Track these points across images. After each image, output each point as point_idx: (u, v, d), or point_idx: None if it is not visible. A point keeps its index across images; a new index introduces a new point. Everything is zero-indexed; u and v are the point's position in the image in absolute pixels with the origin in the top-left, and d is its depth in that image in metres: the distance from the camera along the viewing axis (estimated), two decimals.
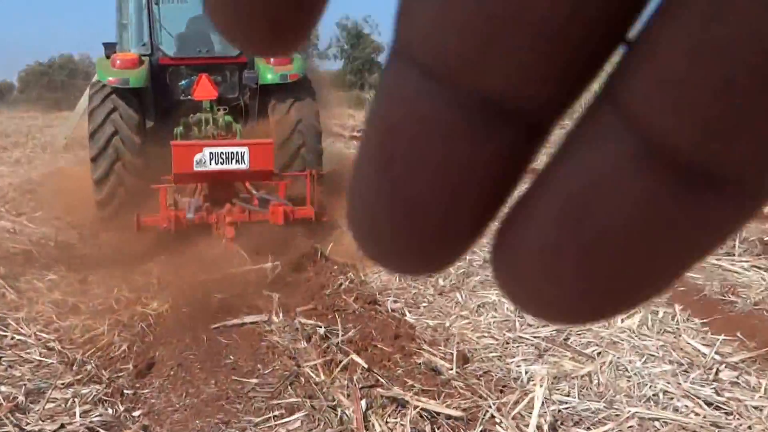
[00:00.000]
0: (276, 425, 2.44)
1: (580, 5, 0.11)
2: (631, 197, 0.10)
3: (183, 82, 5.78)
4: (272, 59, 5.11)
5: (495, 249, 0.12)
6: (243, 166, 4.53)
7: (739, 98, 0.10)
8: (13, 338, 3.32)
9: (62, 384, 2.84)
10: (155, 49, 5.67)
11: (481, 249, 4.70)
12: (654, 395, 2.59)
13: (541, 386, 2.48)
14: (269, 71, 5.34)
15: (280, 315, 3.51)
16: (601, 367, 2.80)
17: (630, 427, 2.38)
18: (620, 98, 0.11)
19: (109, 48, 5.56)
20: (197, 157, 4.50)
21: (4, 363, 3.07)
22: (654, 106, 0.10)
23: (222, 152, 4.49)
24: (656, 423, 2.40)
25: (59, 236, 5.34)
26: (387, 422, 2.37)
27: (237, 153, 4.50)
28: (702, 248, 0.11)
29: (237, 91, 5.84)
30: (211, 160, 4.48)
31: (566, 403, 2.54)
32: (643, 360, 2.86)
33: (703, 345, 2.98)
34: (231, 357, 3.07)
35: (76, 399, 2.67)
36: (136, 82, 5.16)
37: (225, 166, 4.50)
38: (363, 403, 2.44)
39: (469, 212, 0.11)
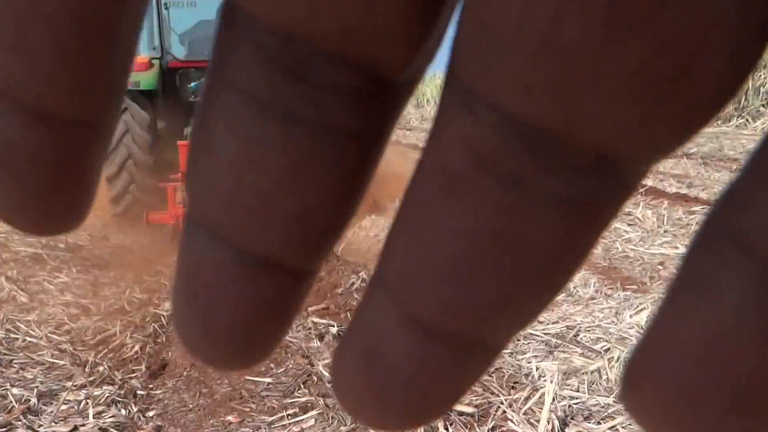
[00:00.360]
0: (290, 424, 2.45)
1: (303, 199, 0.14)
2: (402, 359, 0.14)
3: (192, 84, 5.90)
4: None
5: (331, 366, 0.15)
6: None
7: None
8: (24, 340, 3.33)
9: (75, 386, 2.85)
10: (165, 52, 5.86)
11: None
12: None
13: (551, 382, 2.49)
14: None
15: None
16: (609, 362, 2.81)
17: None
18: None
19: None
20: None
21: (15, 365, 3.08)
22: None
23: None
24: None
25: (69, 238, 5.36)
26: None
27: None
28: (455, 392, 0.14)
29: None
30: None
31: (576, 398, 2.56)
32: None
33: None
34: None
35: (89, 400, 2.69)
36: (147, 85, 5.40)
37: None
38: None
39: (256, 337, 0.15)
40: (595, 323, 3.26)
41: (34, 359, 3.15)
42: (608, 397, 2.55)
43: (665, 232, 5.19)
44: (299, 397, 2.65)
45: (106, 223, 5.56)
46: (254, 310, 0.15)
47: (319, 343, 3.14)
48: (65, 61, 0.14)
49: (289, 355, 3.06)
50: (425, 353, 0.14)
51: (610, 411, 2.47)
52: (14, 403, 2.65)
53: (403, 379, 0.14)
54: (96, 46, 0.14)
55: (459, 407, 2.43)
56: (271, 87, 0.13)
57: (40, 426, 2.49)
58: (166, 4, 5.75)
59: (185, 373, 2.98)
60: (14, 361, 3.12)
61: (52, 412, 2.62)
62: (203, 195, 0.14)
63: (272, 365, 2.97)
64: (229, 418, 2.52)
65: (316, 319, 3.40)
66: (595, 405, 2.51)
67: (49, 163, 0.15)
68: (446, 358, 0.14)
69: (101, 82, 0.15)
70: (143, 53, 5.69)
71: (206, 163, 0.14)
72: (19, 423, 2.47)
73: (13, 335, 3.37)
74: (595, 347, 3.00)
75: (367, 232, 5.64)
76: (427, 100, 32.96)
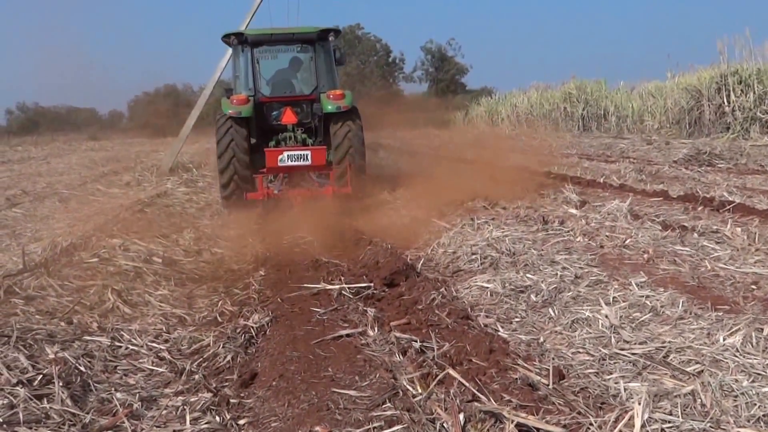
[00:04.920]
0: None
1: None
2: None
3: (274, 112, 8.75)
4: (331, 95, 8.20)
5: None
6: (307, 162, 8.08)
7: None
8: (126, 348, 3.52)
9: (173, 392, 2.99)
10: (257, 91, 8.64)
11: (572, 265, 4.61)
12: (765, 416, 2.45)
13: (640, 404, 2.38)
14: (330, 104, 8.24)
15: (375, 329, 3.58)
16: (704, 385, 2.67)
17: None
18: None
19: (228, 91, 8.86)
20: (280, 157, 8.02)
21: (119, 371, 3.26)
22: None
23: (294, 154, 8.05)
24: None
25: (166, 253, 5.66)
26: None
27: (303, 154, 8.06)
28: None
29: (309, 118, 8.76)
30: (288, 158, 8.01)
31: (669, 422, 2.43)
32: (750, 379, 2.70)
33: None
34: (329, 369, 3.14)
35: (186, 407, 2.80)
36: (245, 113, 8.15)
37: (296, 163, 8.04)
38: (461, 417, 2.43)
39: None
40: (686, 344, 3.10)
41: (135, 366, 3.32)
42: (704, 421, 2.42)
43: (757, 250, 4.88)
44: (385, 410, 2.65)
45: (199, 237, 5.81)
46: None
47: (401, 358, 3.16)
48: None
49: (373, 368, 3.08)
50: None
51: None
52: (118, 406, 2.80)
53: None
54: None
55: (546, 426, 2.36)
56: None
57: (142, 429, 2.61)
58: (257, 59, 8.67)
59: (274, 383, 3.05)
60: (118, 368, 3.30)
61: (153, 416, 2.75)
62: None
63: (357, 378, 3.00)
64: (317, 428, 2.55)
65: (398, 334, 3.42)
66: (690, 430, 2.39)
67: None
68: None
69: None
70: (243, 92, 8.57)
71: None
72: (125, 425, 2.58)
73: (117, 343, 3.58)
74: (687, 369, 2.86)
75: (446, 249, 5.64)
76: (502, 119, 32.59)
